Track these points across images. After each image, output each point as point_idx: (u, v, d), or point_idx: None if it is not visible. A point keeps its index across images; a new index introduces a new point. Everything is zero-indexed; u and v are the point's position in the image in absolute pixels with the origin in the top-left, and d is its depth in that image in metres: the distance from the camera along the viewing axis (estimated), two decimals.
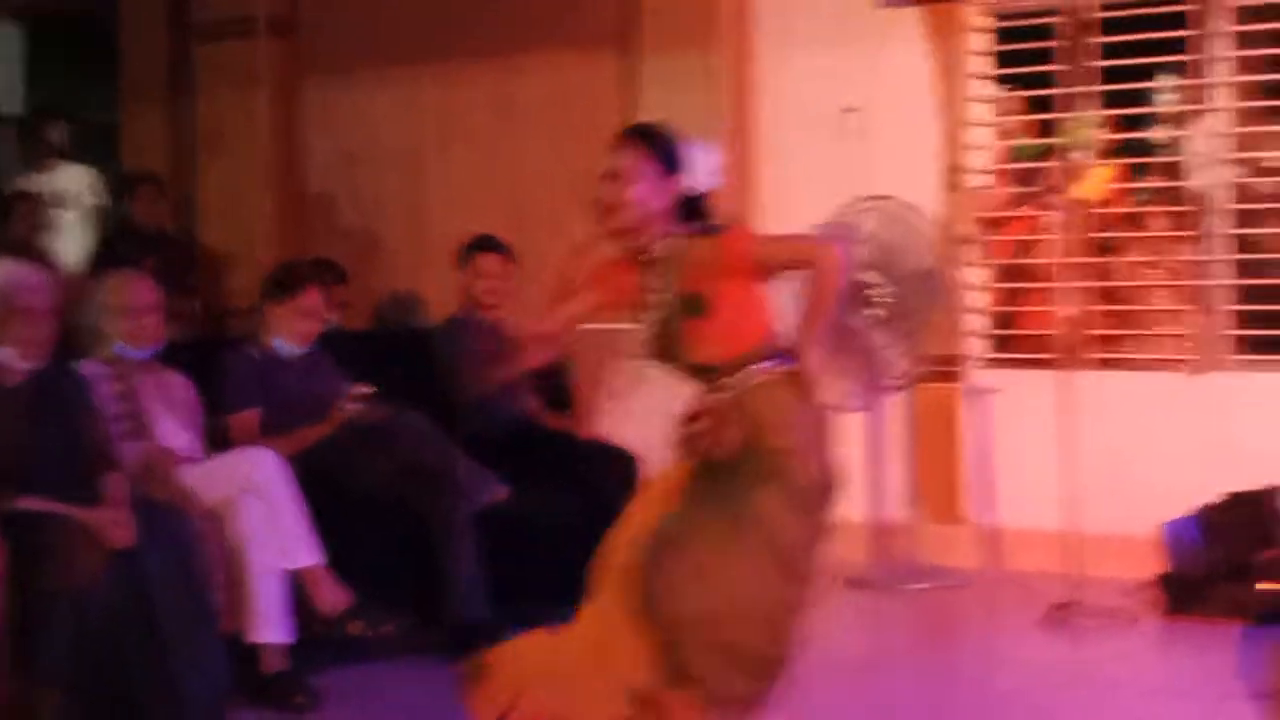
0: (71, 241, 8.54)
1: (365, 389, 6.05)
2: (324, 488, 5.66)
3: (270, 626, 5.32)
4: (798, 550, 4.02)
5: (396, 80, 8.34)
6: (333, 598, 5.48)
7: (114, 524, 4.81)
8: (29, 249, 7.33)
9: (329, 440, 5.96)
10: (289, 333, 6.17)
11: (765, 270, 4.09)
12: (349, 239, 8.46)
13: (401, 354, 6.92)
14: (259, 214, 8.58)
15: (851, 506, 7.23)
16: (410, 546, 5.89)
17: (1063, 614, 6.17)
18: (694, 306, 4.05)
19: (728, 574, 3.95)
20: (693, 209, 4.14)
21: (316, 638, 5.49)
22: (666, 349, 4.14)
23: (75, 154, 8.75)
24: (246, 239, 8.56)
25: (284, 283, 6.23)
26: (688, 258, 4.08)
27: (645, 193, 4.10)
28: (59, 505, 4.83)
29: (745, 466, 4.00)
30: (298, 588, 5.44)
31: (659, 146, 4.14)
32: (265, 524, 5.36)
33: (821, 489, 4.06)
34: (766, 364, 4.04)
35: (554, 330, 4.38)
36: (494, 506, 6.11)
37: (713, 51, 7.48)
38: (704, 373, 4.10)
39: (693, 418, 4.11)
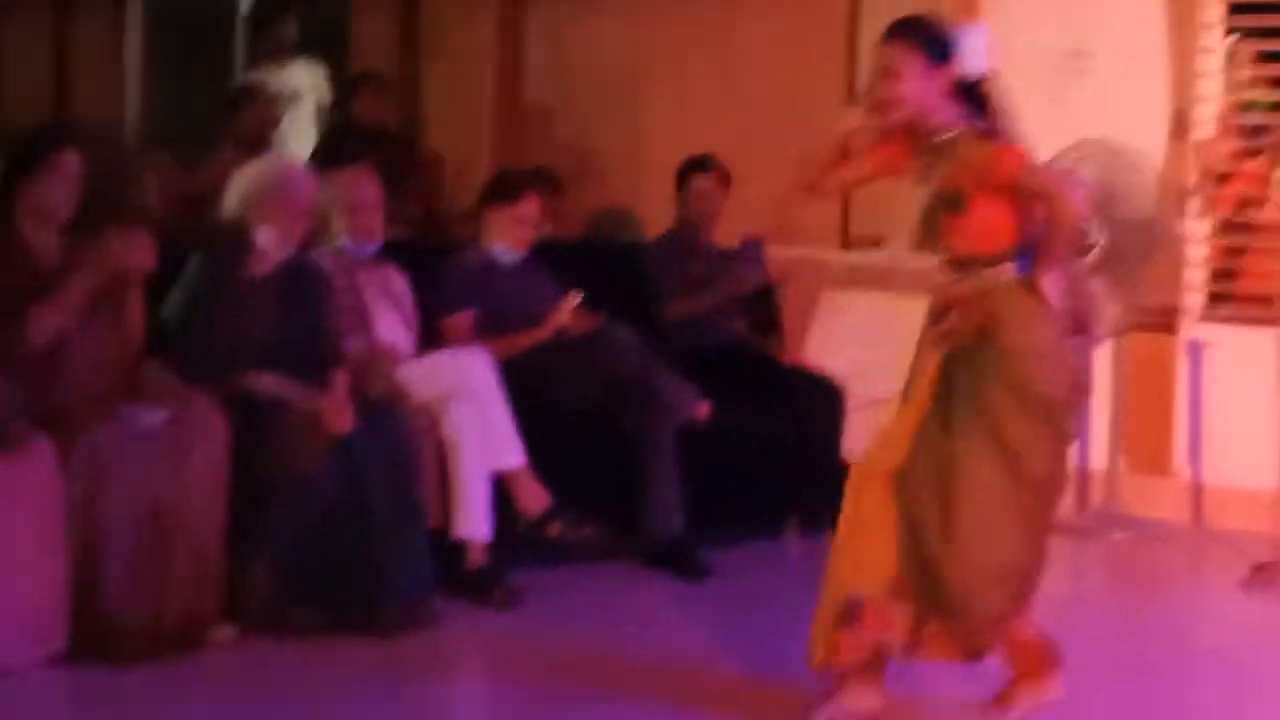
0: (300, 137, 8.73)
1: (575, 299, 6.13)
2: (530, 394, 5.76)
3: (475, 523, 5.45)
4: (1033, 456, 4.09)
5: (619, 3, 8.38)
6: (535, 499, 5.59)
7: (335, 412, 4.97)
8: (260, 143, 7.50)
9: (537, 347, 6.05)
10: (506, 238, 6.26)
11: (1018, 193, 4.13)
12: (566, 151, 8.53)
13: (613, 268, 6.99)
14: (480, 120, 8.68)
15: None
16: (610, 457, 5.98)
17: (1267, 574, 6.07)
18: (953, 203, 4.13)
19: (971, 493, 4.06)
20: (971, 95, 4.16)
21: (517, 537, 5.61)
22: (926, 235, 4.23)
23: (306, 50, 8.91)
24: (467, 144, 8.67)
25: (504, 188, 6.32)
26: (960, 155, 4.13)
27: (916, 87, 4.13)
28: (288, 386, 5.03)
29: (983, 360, 4.09)
30: (501, 488, 5.56)
31: (925, 37, 4.15)
32: (474, 423, 5.48)
33: (1059, 398, 4.11)
34: (1013, 266, 4.12)
35: (825, 187, 4.40)
36: (695, 424, 6.16)
37: None
38: (957, 266, 4.19)
39: (940, 310, 4.21)
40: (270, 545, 4.87)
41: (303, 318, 5.22)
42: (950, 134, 4.15)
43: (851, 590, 4.17)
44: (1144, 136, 6.97)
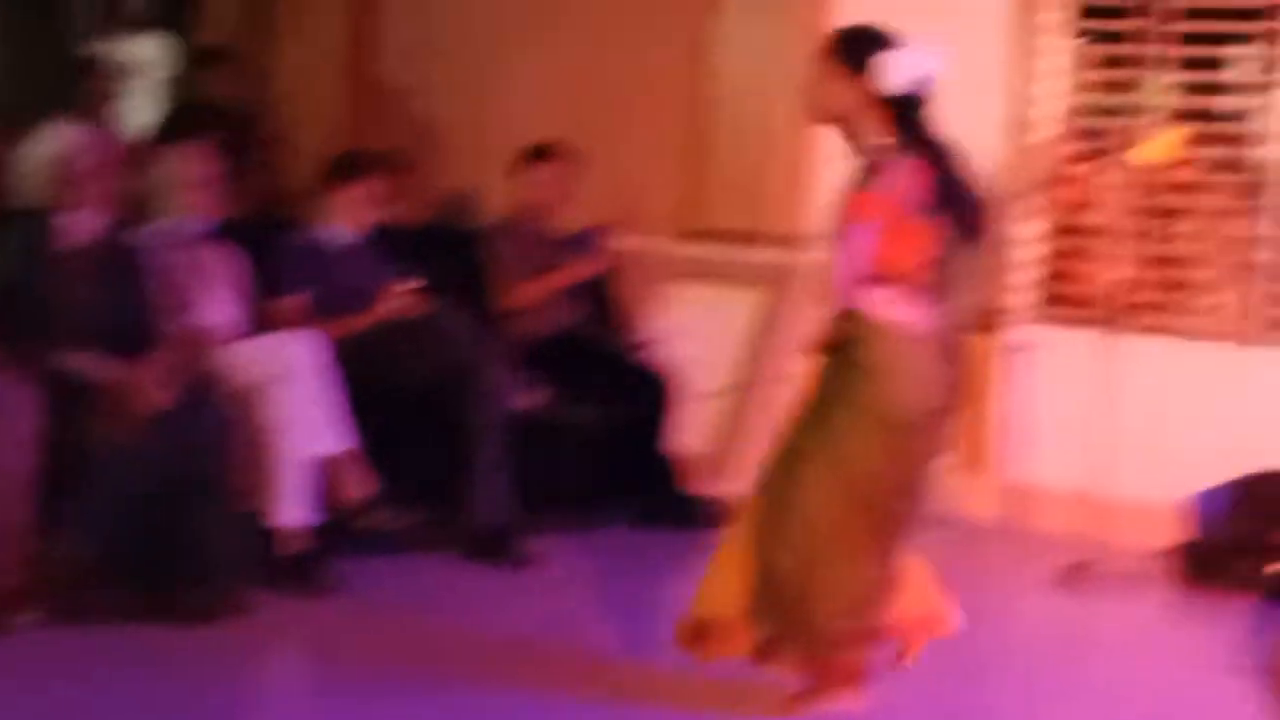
0: (142, 110, 8.62)
1: (411, 284, 6.11)
2: (361, 378, 5.73)
3: (295, 508, 5.41)
4: (877, 474, 4.18)
5: None
6: (359, 484, 5.57)
7: (152, 387, 4.92)
8: (97, 114, 7.39)
9: (370, 331, 6.03)
10: (346, 219, 6.23)
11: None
12: (418, 131, 8.49)
13: (453, 252, 6.97)
14: (332, 97, 8.61)
15: None
16: (441, 443, 5.97)
17: (1077, 574, 6.19)
18: (844, 216, 4.26)
19: (811, 511, 4.18)
20: (903, 112, 4.22)
21: (340, 525, 5.59)
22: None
23: (154, 21, 8.79)
24: (318, 121, 8.59)
25: (347, 168, 6.29)
26: (855, 176, 4.26)
27: (830, 93, 4.26)
28: (102, 363, 4.96)
29: (843, 374, 4.19)
30: (327, 473, 5.53)
31: (845, 47, 4.28)
32: (298, 407, 5.42)
33: (912, 418, 4.17)
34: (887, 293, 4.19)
35: None
36: (528, 412, 6.17)
37: None
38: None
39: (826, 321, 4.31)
40: (81, 525, 4.81)
41: (120, 294, 5.13)
42: (866, 149, 4.27)
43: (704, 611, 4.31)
44: (980, 135, 7.03)
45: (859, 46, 4.26)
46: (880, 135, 4.24)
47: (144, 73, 8.64)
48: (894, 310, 4.18)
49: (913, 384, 4.18)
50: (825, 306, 4.34)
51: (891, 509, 4.25)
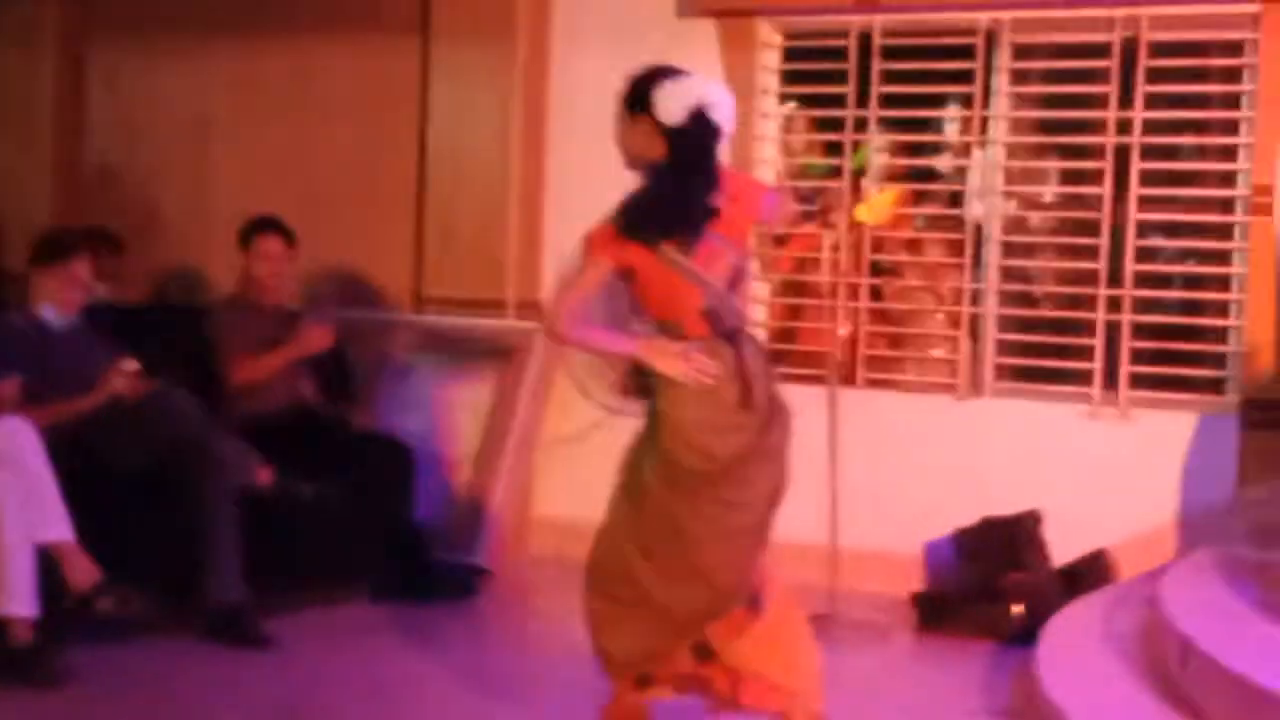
0: None
1: (131, 364, 5.94)
2: (82, 461, 5.58)
3: (17, 600, 5.22)
4: (682, 517, 4.24)
5: (185, 48, 8.19)
6: (83, 573, 5.37)
7: None
8: None
9: (92, 413, 5.84)
10: (55, 300, 6.05)
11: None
12: (130, 210, 8.29)
13: (174, 330, 6.82)
14: (37, 179, 8.37)
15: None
16: (167, 524, 5.82)
17: (821, 625, 6.24)
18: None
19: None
20: (673, 145, 4.24)
21: (66, 614, 5.38)
22: None
23: None
24: (24, 204, 8.34)
25: (51, 249, 6.11)
26: None
27: (620, 137, 4.35)
28: None
29: (651, 422, 4.27)
30: (48, 562, 5.32)
31: (626, 91, 4.33)
32: (16, 495, 5.25)
33: (700, 468, 4.20)
34: (658, 340, 4.26)
35: None
36: (257, 489, 6.03)
37: (507, 47, 7.48)
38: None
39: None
40: None
41: None
42: None
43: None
44: None
45: (635, 88, 4.32)
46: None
47: None
48: (668, 362, 4.22)
49: (698, 432, 4.20)
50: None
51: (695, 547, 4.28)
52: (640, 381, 4.31)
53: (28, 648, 5.21)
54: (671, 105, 4.24)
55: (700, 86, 4.29)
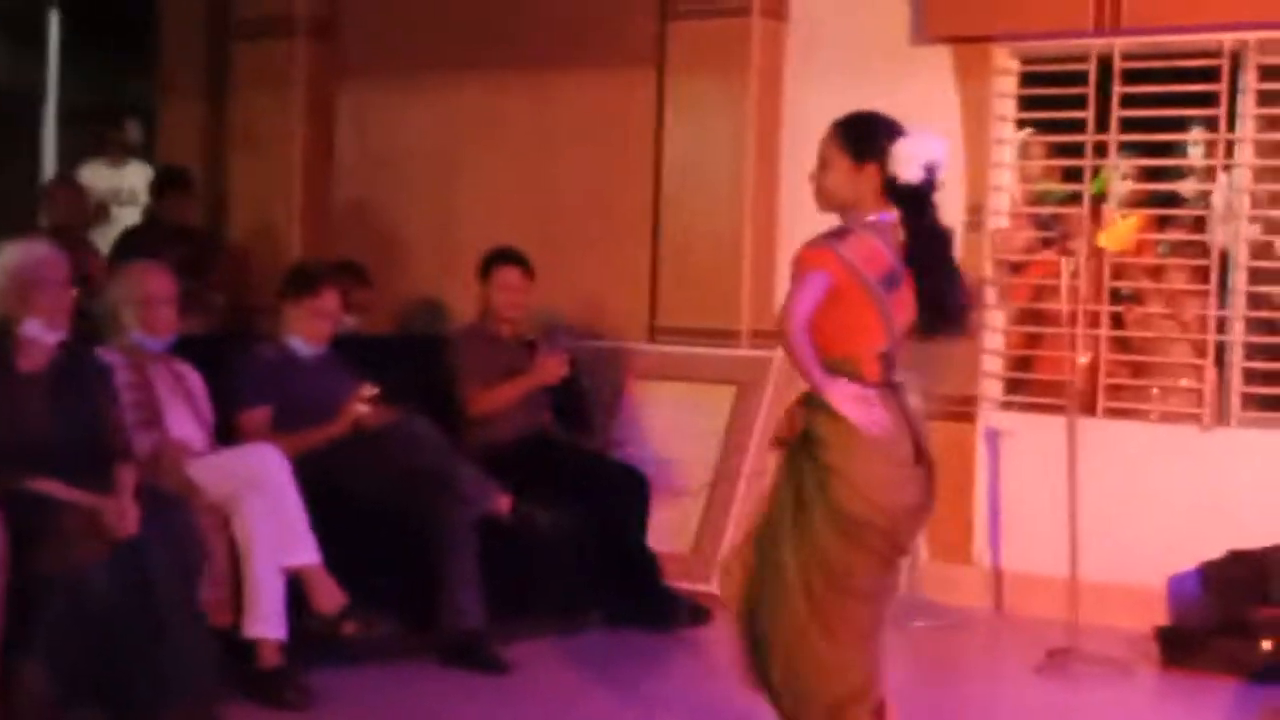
0: None
1: (370, 390, 6.07)
2: (326, 488, 5.70)
3: (267, 622, 5.36)
4: (850, 571, 4.11)
5: (431, 86, 8.39)
6: (329, 597, 5.50)
7: (119, 513, 4.85)
8: (65, 236, 7.42)
9: (335, 441, 5.98)
10: (304, 332, 6.21)
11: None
12: (377, 243, 8.51)
13: (416, 360, 6.95)
14: (288, 214, 8.63)
15: None
16: (409, 551, 5.92)
17: (1060, 660, 6.16)
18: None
19: (791, 602, 4.15)
20: (903, 199, 4.15)
21: (312, 636, 5.52)
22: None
23: (140, 151, 8.96)
24: (275, 238, 8.61)
25: (301, 282, 6.27)
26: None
27: (834, 180, 4.19)
28: (66, 489, 4.90)
29: (810, 470, 4.12)
30: (295, 586, 5.47)
31: (849, 135, 4.20)
32: (267, 520, 5.40)
33: (874, 522, 4.10)
34: (843, 382, 4.10)
35: None
36: (496, 517, 6.13)
37: (741, 78, 7.52)
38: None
39: (788, 409, 4.26)
40: (45, 647, 4.71)
41: (82, 412, 5.08)
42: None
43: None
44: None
45: (865, 135, 4.19)
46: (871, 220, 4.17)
47: (136, 200, 8.78)
48: (854, 408, 4.07)
49: (873, 487, 4.10)
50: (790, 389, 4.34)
51: (864, 598, 4.18)
52: (801, 426, 4.18)
53: (276, 669, 5.35)
54: (910, 163, 4.11)
55: (937, 144, 4.18)
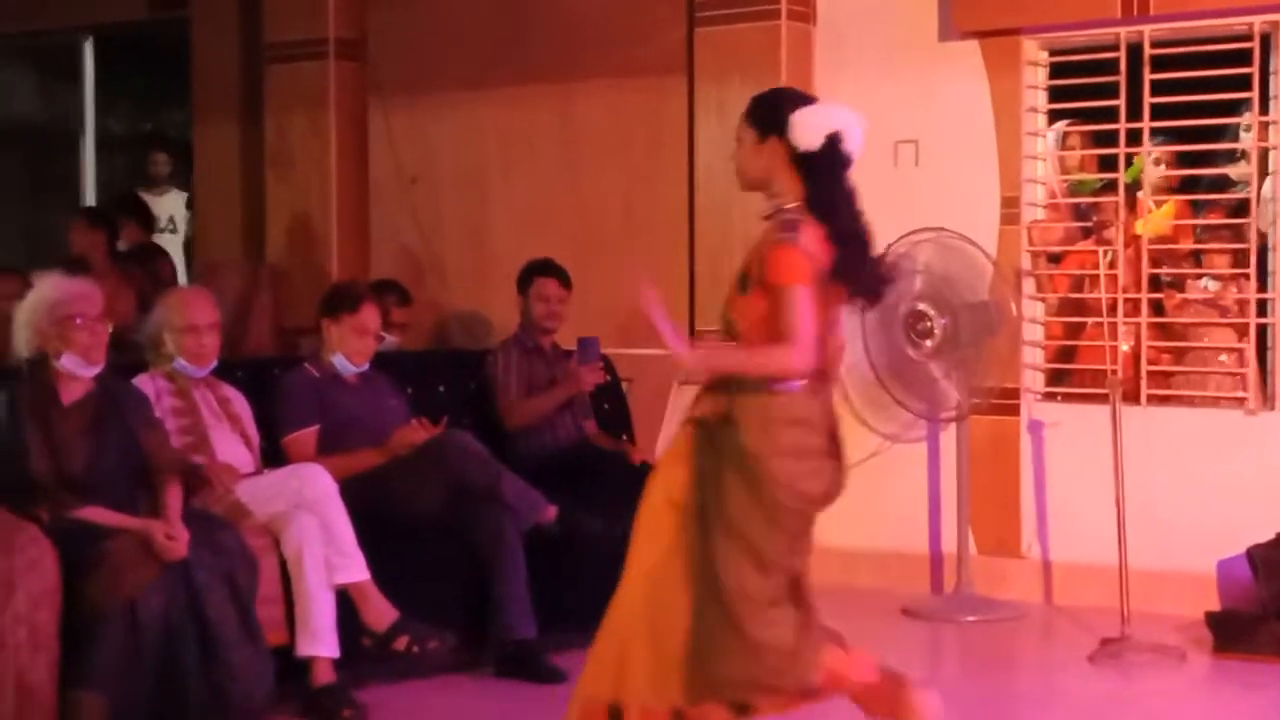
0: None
1: (422, 426, 6.09)
2: (374, 504, 5.73)
3: (319, 640, 5.39)
4: (770, 551, 4.09)
5: (461, 103, 8.43)
6: (380, 614, 5.53)
7: (168, 537, 4.90)
8: (90, 261, 7.52)
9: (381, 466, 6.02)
10: (346, 350, 6.24)
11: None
12: (414, 260, 8.56)
13: (458, 374, 6.98)
14: (326, 234, 8.68)
15: (908, 537, 7.33)
16: (458, 565, 5.95)
17: (1113, 649, 6.15)
18: (741, 282, 4.16)
19: (712, 572, 4.08)
20: (808, 170, 4.13)
21: (364, 653, 5.55)
22: (723, 314, 4.23)
23: (176, 180, 9.08)
24: (313, 258, 8.66)
25: (341, 301, 6.31)
26: (762, 239, 4.16)
27: (741, 156, 4.23)
28: (115, 515, 4.95)
29: (728, 451, 4.08)
30: (346, 603, 5.51)
31: (754, 111, 4.23)
32: (315, 540, 5.43)
33: (787, 503, 4.09)
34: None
35: None
36: (543, 527, 6.15)
37: (771, 81, 7.50)
38: (735, 346, 4.18)
39: (702, 388, 4.23)
40: (102, 676, 4.75)
41: (122, 441, 5.14)
42: (772, 211, 4.19)
43: (611, 698, 4.16)
44: (976, 220, 7.11)
45: (770, 108, 4.22)
46: (786, 197, 4.16)
47: (175, 228, 8.89)
48: (783, 386, 4.07)
49: (794, 470, 4.08)
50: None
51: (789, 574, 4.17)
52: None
53: (330, 687, 5.38)
54: (811, 131, 4.13)
55: (837, 113, 4.17)
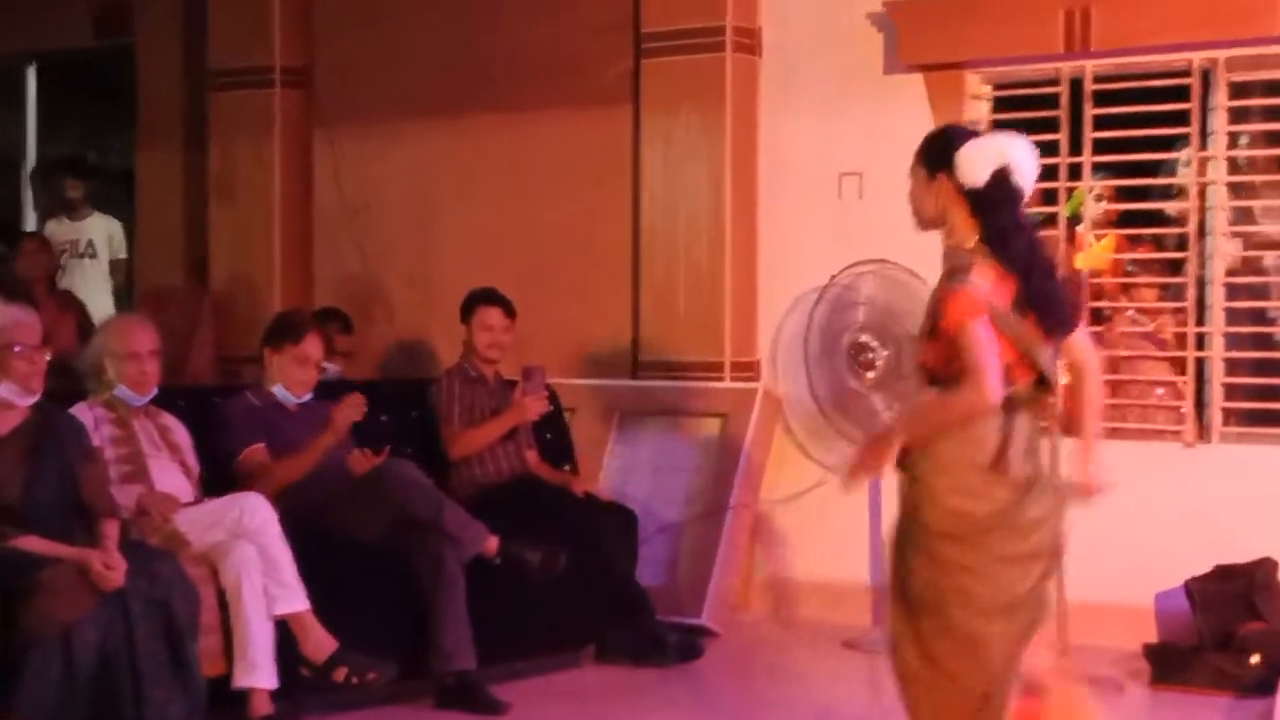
0: (95, 289, 8.76)
1: (368, 456, 6.07)
2: (314, 533, 5.71)
3: (257, 671, 5.36)
4: (927, 590, 4.25)
5: (407, 131, 8.44)
6: (319, 644, 5.51)
7: (106, 567, 4.86)
8: (27, 293, 7.46)
9: (320, 488, 5.98)
10: (287, 381, 6.23)
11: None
12: (357, 289, 8.54)
13: (401, 404, 6.97)
14: (269, 262, 8.66)
15: (849, 569, 7.33)
16: (398, 595, 5.92)
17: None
18: (928, 331, 4.11)
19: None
20: (978, 205, 4.06)
21: (303, 684, 5.52)
22: (917, 361, 4.20)
23: (101, 204, 9.00)
24: (256, 287, 8.64)
25: (284, 330, 6.30)
26: (939, 283, 4.11)
27: (914, 195, 4.19)
28: (50, 545, 4.91)
29: (912, 490, 4.16)
30: (285, 633, 5.48)
31: (924, 149, 4.18)
32: (254, 569, 5.40)
33: (942, 531, 4.14)
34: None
35: None
36: (485, 558, 6.14)
37: (717, 112, 7.56)
38: (929, 384, 4.15)
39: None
40: (34, 703, 4.71)
41: (58, 471, 5.10)
42: (953, 250, 4.13)
43: None
44: (919, 253, 7.11)
45: (937, 145, 4.16)
46: (961, 236, 4.09)
47: (94, 253, 8.81)
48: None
49: (957, 495, 4.10)
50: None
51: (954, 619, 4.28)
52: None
53: (267, 718, 5.35)
54: (974, 167, 4.06)
55: (1006, 147, 4.11)
